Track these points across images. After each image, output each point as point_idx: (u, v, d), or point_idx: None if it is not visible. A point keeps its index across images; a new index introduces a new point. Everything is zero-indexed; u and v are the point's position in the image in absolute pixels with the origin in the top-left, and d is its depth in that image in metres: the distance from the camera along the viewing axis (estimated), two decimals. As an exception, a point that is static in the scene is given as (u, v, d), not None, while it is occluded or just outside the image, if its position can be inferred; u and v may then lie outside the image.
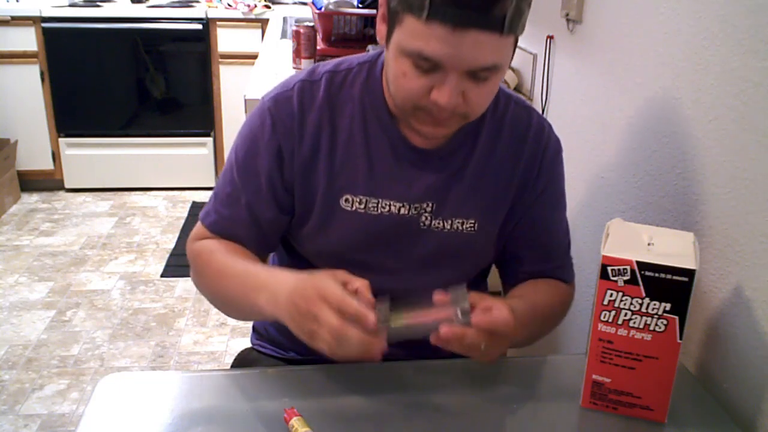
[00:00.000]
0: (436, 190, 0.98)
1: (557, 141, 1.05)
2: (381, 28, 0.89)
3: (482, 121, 0.98)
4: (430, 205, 0.98)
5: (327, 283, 0.78)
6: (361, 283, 0.80)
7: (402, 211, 0.98)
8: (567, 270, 1.11)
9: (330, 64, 1.00)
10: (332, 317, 0.75)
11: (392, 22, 0.84)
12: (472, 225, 1.00)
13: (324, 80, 0.97)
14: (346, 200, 0.97)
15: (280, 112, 0.96)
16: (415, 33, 0.79)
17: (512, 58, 0.88)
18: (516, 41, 0.85)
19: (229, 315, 1.03)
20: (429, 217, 0.99)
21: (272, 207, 0.99)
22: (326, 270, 0.82)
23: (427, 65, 0.81)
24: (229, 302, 0.99)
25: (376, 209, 0.98)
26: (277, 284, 0.86)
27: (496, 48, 0.80)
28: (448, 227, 1.00)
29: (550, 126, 1.05)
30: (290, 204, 1.00)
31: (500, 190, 1.01)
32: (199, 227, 1.04)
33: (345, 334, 0.75)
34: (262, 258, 1.06)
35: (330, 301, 0.76)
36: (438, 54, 0.79)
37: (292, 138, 0.96)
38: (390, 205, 0.98)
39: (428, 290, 0.82)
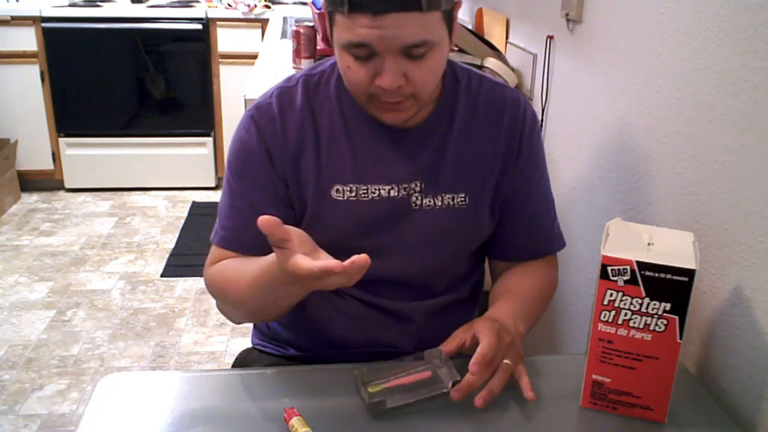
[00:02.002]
0: (422, 169, 1.01)
1: (533, 113, 1.09)
2: (327, 31, 0.95)
3: (456, 100, 1.03)
4: (418, 184, 1.01)
5: (297, 271, 0.79)
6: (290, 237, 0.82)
7: (392, 193, 1.01)
8: (553, 241, 1.14)
9: (304, 70, 1.07)
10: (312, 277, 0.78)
11: (330, 23, 0.91)
12: (463, 199, 1.03)
13: (300, 84, 1.03)
14: (337, 191, 1.00)
15: (263, 117, 1.01)
16: (344, 27, 0.87)
17: (452, 33, 0.93)
18: (450, 16, 0.90)
19: (268, 319, 1.08)
20: (419, 197, 1.02)
21: (275, 203, 1.01)
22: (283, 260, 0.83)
23: (363, 53, 0.88)
24: (261, 305, 0.97)
25: (366, 195, 1.00)
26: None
27: (422, 25, 0.86)
28: (440, 204, 1.02)
29: (525, 99, 1.09)
30: (290, 197, 1.02)
31: (485, 162, 1.04)
32: (211, 251, 1.06)
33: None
34: None
35: (303, 277, 0.78)
36: (366, 39, 0.86)
37: (277, 137, 1.00)
38: (379, 189, 1.01)
39: (406, 354, 0.93)
